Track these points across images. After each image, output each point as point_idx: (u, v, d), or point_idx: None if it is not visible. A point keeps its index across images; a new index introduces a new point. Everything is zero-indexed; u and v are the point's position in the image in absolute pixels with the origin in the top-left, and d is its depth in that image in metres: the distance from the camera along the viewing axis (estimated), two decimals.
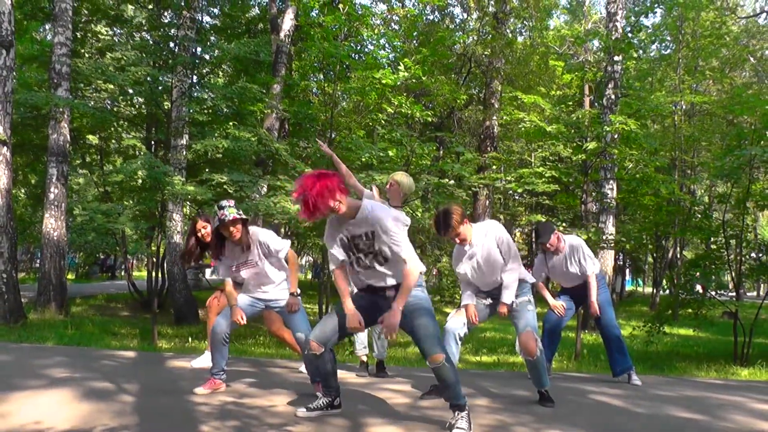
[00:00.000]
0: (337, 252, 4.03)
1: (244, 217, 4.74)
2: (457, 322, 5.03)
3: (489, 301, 5.11)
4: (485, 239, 4.84)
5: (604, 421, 4.46)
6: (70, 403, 4.13)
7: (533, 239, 28.77)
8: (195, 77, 14.76)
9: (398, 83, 13.34)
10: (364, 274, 4.03)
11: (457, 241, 4.83)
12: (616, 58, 15.09)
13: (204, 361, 6.12)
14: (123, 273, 22.54)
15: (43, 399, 4.23)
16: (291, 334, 5.99)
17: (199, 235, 5.25)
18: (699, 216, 11.42)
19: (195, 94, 13.73)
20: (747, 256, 10.48)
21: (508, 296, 4.86)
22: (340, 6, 14.42)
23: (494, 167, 17.53)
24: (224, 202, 4.72)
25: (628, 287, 39.35)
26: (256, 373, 5.91)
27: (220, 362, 4.93)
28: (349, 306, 4.01)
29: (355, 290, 4.29)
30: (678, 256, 24.32)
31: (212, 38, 17.05)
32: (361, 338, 6.22)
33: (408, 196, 6.21)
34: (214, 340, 4.91)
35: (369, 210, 3.90)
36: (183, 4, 13.67)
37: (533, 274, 6.31)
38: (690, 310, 9.62)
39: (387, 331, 3.87)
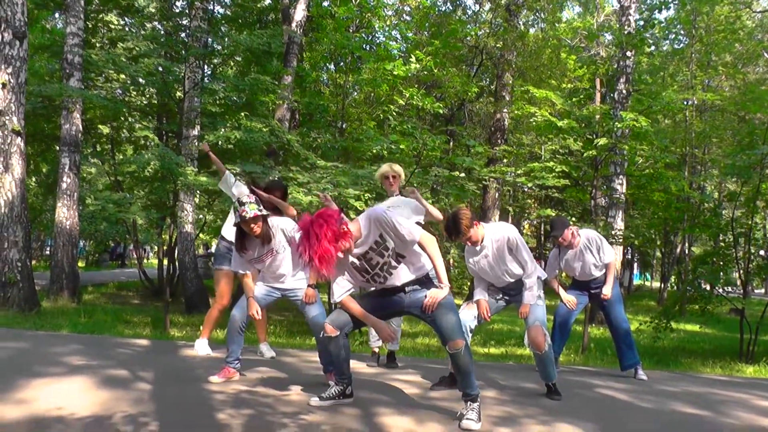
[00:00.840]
0: (342, 284, 4.09)
1: (264, 213, 4.79)
2: (467, 315, 5.11)
3: (501, 296, 5.21)
4: (497, 242, 4.92)
5: (610, 414, 4.54)
6: (89, 391, 4.24)
7: (543, 233, 28.84)
8: (207, 68, 14.82)
9: (409, 75, 13.38)
10: (384, 284, 4.12)
11: (469, 244, 4.91)
12: (628, 53, 15.08)
13: (202, 347, 6.27)
14: (134, 261, 22.73)
15: (63, 386, 4.34)
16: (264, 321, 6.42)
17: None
18: (708, 213, 11.43)
19: (207, 85, 13.79)
20: (755, 254, 10.50)
21: (530, 297, 4.95)
22: None
23: (505, 160, 17.55)
24: (245, 198, 4.74)
25: (636, 281, 39.33)
26: (268, 362, 6.01)
27: (235, 351, 5.01)
28: (377, 320, 4.17)
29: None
30: (686, 251, 24.30)
31: (223, 28, 17.12)
32: None
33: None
34: (231, 330, 5.00)
35: (366, 221, 3.98)
36: None
37: (547, 270, 6.42)
38: (697, 307, 9.66)
39: (430, 302, 3.98)
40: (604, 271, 6.40)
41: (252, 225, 4.70)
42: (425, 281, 4.15)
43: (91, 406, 3.84)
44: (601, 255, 6.33)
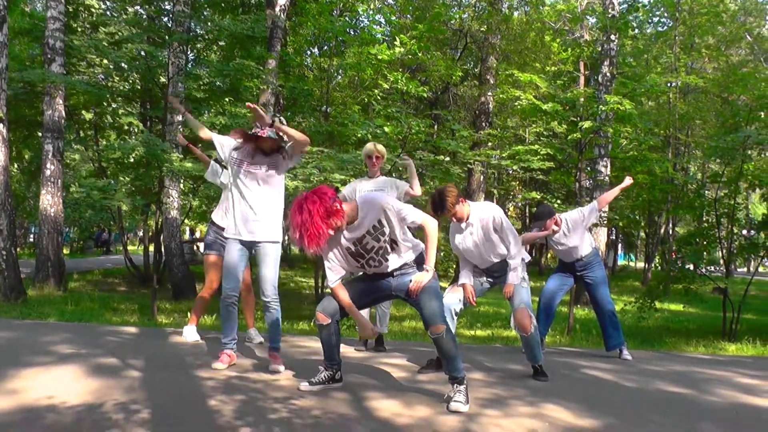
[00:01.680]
0: (336, 269, 4.14)
1: (281, 144, 4.88)
2: (453, 298, 5.16)
3: (485, 278, 5.26)
4: (483, 220, 4.97)
5: (596, 394, 4.61)
6: (79, 379, 4.25)
7: (528, 215, 28.94)
8: (190, 53, 14.71)
9: (394, 59, 13.36)
10: (378, 268, 4.16)
11: (454, 220, 4.96)
12: (612, 36, 15.13)
13: (190, 333, 6.30)
14: (120, 248, 22.67)
15: (54, 375, 4.34)
16: (251, 308, 6.58)
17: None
18: (692, 194, 11.55)
19: (191, 70, 13.70)
20: (738, 234, 10.63)
21: (514, 278, 5.00)
22: None
23: (489, 143, 17.59)
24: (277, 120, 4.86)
25: (621, 262, 39.62)
26: (257, 347, 6.04)
27: (230, 331, 5.00)
28: (360, 317, 4.33)
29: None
30: (670, 232, 24.50)
31: (206, 13, 16.96)
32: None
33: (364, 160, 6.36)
34: (222, 308, 4.98)
35: (365, 204, 4.03)
36: None
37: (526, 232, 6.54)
38: (681, 286, 9.78)
39: (414, 286, 4.03)
40: (590, 251, 6.48)
41: (264, 144, 4.82)
42: (413, 266, 4.19)
43: (82, 395, 3.85)
44: (587, 236, 6.44)
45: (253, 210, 4.89)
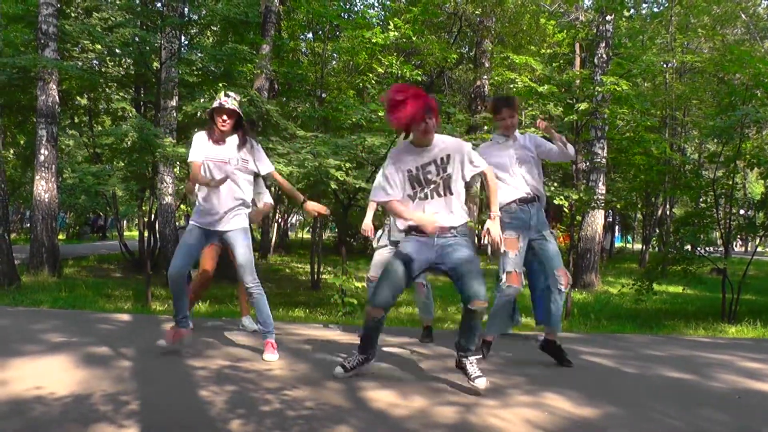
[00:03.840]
0: (388, 188, 4.06)
1: (239, 112, 4.74)
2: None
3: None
4: (530, 138, 5.14)
5: (594, 381, 4.54)
6: (69, 369, 4.18)
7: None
8: (184, 38, 14.56)
9: (388, 43, 13.25)
10: (428, 204, 4.07)
11: (508, 124, 5.00)
12: (607, 17, 14.99)
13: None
14: (115, 233, 22.59)
15: (43, 364, 4.28)
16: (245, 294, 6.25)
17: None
18: (689, 175, 11.47)
19: (184, 55, 13.59)
20: (736, 214, 10.56)
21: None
22: None
23: (485, 127, 17.46)
24: (232, 93, 4.73)
25: (618, 244, 39.60)
26: (251, 336, 5.96)
27: (179, 309, 4.86)
28: (417, 215, 4.02)
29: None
30: (668, 213, 24.45)
31: None
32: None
33: None
34: (170, 284, 4.81)
35: (447, 137, 4.11)
36: None
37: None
38: (679, 268, 9.71)
39: (493, 239, 4.09)
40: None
41: (223, 117, 4.66)
42: (457, 236, 4.04)
43: (70, 385, 3.78)
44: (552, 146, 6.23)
45: (218, 204, 4.75)
